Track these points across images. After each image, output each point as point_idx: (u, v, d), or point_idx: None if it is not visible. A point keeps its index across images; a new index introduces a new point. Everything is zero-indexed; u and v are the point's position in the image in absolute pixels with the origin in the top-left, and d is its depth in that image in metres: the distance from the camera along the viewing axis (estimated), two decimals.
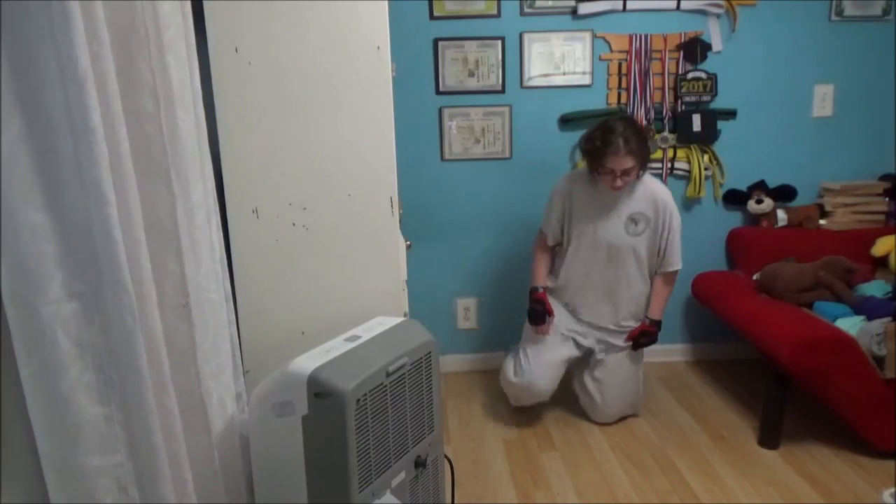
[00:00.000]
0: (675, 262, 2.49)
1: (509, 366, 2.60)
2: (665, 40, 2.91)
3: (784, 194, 3.03)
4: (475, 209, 3.04)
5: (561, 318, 2.55)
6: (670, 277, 2.53)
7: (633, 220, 2.40)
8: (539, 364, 2.51)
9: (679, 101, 2.96)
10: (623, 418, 2.64)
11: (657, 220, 2.41)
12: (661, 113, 2.97)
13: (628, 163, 2.24)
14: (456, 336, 3.17)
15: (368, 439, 1.45)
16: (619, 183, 2.29)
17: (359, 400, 1.40)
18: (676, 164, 3.03)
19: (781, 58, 2.97)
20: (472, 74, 2.91)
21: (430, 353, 1.66)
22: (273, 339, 1.82)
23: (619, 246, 2.43)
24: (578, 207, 2.45)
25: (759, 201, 3.01)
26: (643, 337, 2.51)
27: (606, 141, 2.23)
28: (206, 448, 1.42)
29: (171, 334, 1.30)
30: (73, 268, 1.09)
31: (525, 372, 2.51)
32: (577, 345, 2.58)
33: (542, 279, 2.56)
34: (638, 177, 2.37)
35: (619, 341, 2.54)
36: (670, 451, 2.41)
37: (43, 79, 1.02)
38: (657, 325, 2.52)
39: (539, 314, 2.50)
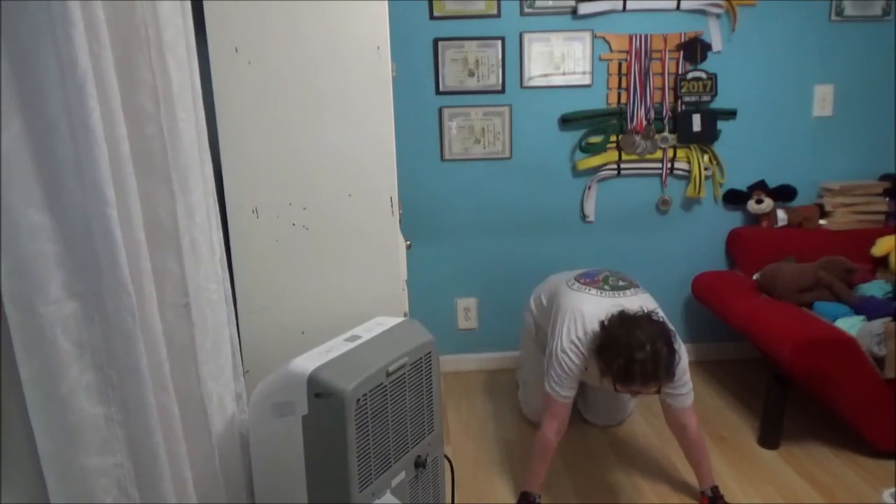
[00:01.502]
0: (689, 396, 2.03)
1: (528, 405, 2.62)
2: (665, 40, 2.91)
3: (784, 194, 3.03)
4: (475, 209, 3.04)
5: None
6: (690, 416, 2.04)
7: None
8: None
9: (679, 101, 2.95)
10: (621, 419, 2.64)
11: None
12: (661, 113, 2.97)
13: (654, 388, 1.85)
14: (456, 336, 3.17)
15: (368, 439, 1.45)
16: (639, 396, 2.01)
17: (359, 400, 1.40)
18: (676, 164, 3.03)
19: (781, 58, 2.97)
20: (472, 74, 2.91)
21: (430, 353, 1.66)
22: (273, 339, 1.82)
23: None
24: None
25: (759, 201, 3.01)
26: (717, 501, 2.06)
27: (640, 373, 1.75)
28: (206, 448, 1.42)
29: (171, 334, 1.30)
30: (73, 268, 1.09)
31: None
32: None
33: (539, 484, 2.06)
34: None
35: None
36: (670, 451, 2.40)
37: (43, 79, 1.02)
38: (716, 490, 2.08)
39: None
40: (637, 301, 2.00)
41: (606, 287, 2.05)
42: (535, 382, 2.33)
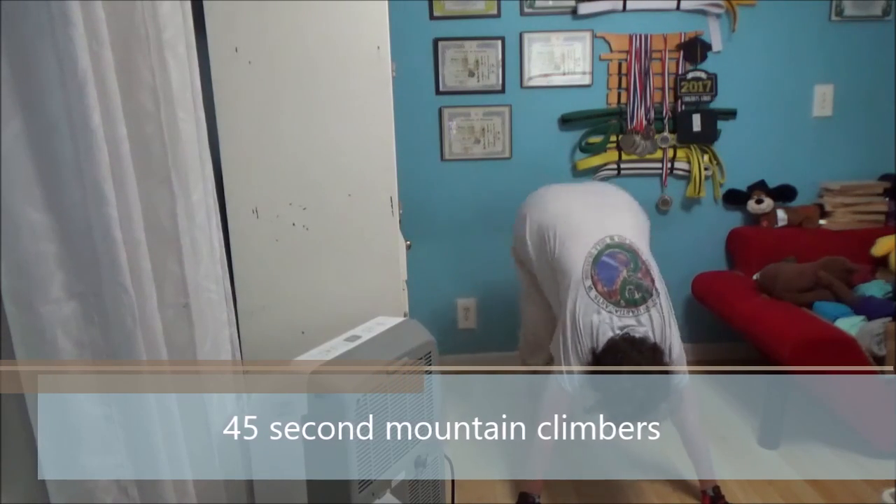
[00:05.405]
0: (683, 377, 2.04)
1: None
2: (665, 40, 2.91)
3: (784, 194, 3.03)
4: (475, 209, 3.04)
5: None
6: (688, 409, 2.08)
7: None
8: None
9: (679, 101, 2.95)
10: None
11: None
12: (661, 113, 2.97)
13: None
14: (456, 336, 3.17)
15: (368, 439, 1.45)
16: None
17: (359, 400, 1.40)
18: (676, 164, 3.03)
19: (781, 58, 2.97)
20: (472, 74, 2.91)
21: (429, 353, 1.66)
22: (273, 339, 1.81)
23: None
24: None
25: (759, 201, 3.01)
26: (718, 501, 2.09)
27: (624, 418, 1.89)
28: (206, 448, 1.42)
29: (171, 334, 1.30)
30: (73, 268, 1.09)
31: None
32: None
33: (539, 484, 2.10)
34: None
35: None
36: (670, 451, 2.40)
37: (43, 79, 1.02)
38: (718, 490, 2.09)
39: None
40: (646, 320, 1.95)
41: (622, 302, 1.97)
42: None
